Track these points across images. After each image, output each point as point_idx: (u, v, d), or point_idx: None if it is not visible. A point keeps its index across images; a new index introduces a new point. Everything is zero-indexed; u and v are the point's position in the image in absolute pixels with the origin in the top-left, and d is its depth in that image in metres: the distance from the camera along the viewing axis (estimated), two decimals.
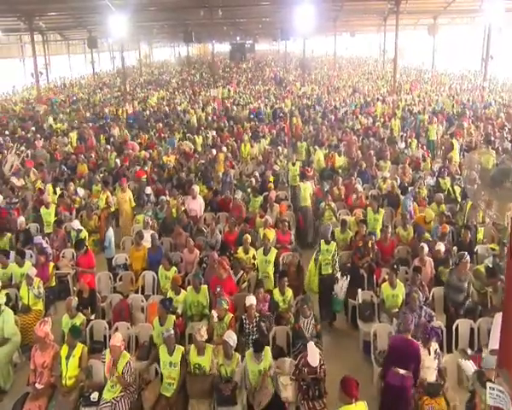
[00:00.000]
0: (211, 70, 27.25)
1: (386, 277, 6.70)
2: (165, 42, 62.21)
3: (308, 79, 33.44)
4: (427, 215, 8.64)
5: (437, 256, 7.30)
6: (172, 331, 5.28)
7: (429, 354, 5.10)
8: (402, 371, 4.84)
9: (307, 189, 10.03)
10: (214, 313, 5.77)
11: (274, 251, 7.29)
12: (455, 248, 7.80)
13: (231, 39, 44.04)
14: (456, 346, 5.97)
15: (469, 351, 5.87)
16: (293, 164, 11.67)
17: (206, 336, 5.17)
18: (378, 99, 21.64)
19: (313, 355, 4.99)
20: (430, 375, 5.12)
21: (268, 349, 5.32)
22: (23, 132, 18.14)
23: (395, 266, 6.63)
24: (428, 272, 7.17)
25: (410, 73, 36.59)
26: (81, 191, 8.80)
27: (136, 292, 7.36)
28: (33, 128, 19.09)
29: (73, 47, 50.83)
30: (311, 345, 5.09)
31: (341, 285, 6.92)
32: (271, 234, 7.81)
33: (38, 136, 16.86)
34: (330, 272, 7.10)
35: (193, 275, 6.60)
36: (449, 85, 27.04)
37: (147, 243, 8.09)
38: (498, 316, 3.64)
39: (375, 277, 7.30)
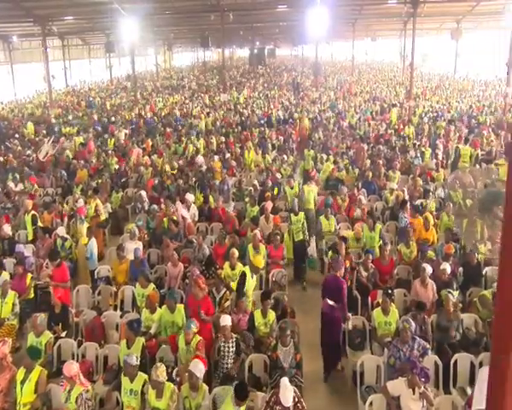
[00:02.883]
0: (221, 75, 26.90)
1: (381, 301, 6.10)
2: (185, 47, 62.57)
3: (325, 84, 32.81)
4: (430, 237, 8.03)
5: (441, 278, 6.64)
6: (134, 359, 4.82)
7: (413, 393, 4.50)
8: (331, 302, 5.82)
9: (311, 192, 9.80)
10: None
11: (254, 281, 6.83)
12: (461, 269, 7.13)
13: (252, 45, 43.71)
14: (454, 384, 5.32)
15: (469, 390, 5.21)
16: (292, 187, 10.36)
17: (163, 378, 4.64)
18: (394, 105, 20.86)
19: (285, 394, 4.43)
20: None
21: None
22: (32, 136, 18.22)
23: (390, 291, 6.02)
24: (430, 296, 6.51)
25: (430, 79, 35.48)
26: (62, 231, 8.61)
27: (115, 308, 6.98)
28: (44, 131, 19.20)
29: (95, 51, 51.60)
30: (283, 382, 4.53)
31: (313, 246, 8.28)
32: (258, 261, 7.21)
33: (46, 140, 16.81)
34: (302, 238, 8.26)
35: (168, 294, 6.14)
36: (469, 94, 25.93)
37: (132, 254, 7.70)
38: (484, 370, 3.01)
39: (369, 299, 6.69)
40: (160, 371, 4.59)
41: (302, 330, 6.66)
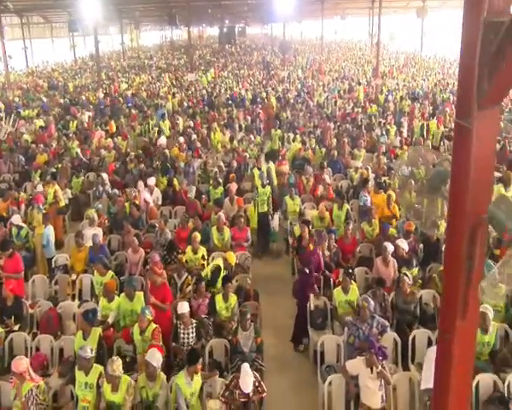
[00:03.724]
0: (189, 54, 26.22)
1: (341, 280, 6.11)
2: (153, 25, 60.61)
3: (294, 63, 32.52)
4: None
5: (399, 255, 6.69)
6: (88, 351, 4.64)
7: (371, 372, 4.53)
8: (307, 270, 6.23)
9: (272, 170, 9.91)
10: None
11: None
12: (421, 245, 7.21)
13: (221, 23, 42.68)
14: (412, 360, 5.40)
15: None
16: (260, 168, 9.65)
17: (119, 372, 4.49)
18: (360, 83, 20.87)
19: (246, 380, 4.40)
20: (376, 400, 4.54)
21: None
22: None
23: (350, 270, 6.03)
24: (391, 273, 6.57)
25: (398, 58, 35.70)
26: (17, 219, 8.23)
27: (73, 298, 6.75)
28: (1, 114, 18.32)
29: (57, 30, 49.33)
30: (244, 368, 4.49)
31: (276, 220, 8.63)
32: (231, 258, 6.90)
33: (3, 122, 16.03)
34: (266, 209, 8.53)
35: (126, 281, 5.96)
36: (435, 72, 26.26)
37: (91, 241, 7.43)
38: (432, 350, 3.02)
39: (332, 278, 6.70)
40: (117, 366, 4.45)
41: (267, 311, 6.64)
